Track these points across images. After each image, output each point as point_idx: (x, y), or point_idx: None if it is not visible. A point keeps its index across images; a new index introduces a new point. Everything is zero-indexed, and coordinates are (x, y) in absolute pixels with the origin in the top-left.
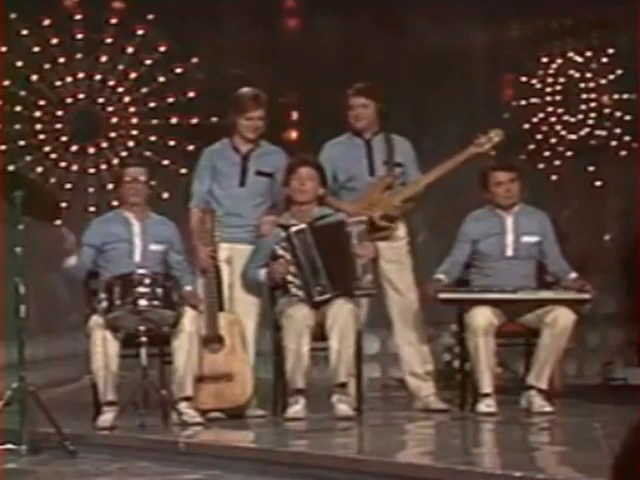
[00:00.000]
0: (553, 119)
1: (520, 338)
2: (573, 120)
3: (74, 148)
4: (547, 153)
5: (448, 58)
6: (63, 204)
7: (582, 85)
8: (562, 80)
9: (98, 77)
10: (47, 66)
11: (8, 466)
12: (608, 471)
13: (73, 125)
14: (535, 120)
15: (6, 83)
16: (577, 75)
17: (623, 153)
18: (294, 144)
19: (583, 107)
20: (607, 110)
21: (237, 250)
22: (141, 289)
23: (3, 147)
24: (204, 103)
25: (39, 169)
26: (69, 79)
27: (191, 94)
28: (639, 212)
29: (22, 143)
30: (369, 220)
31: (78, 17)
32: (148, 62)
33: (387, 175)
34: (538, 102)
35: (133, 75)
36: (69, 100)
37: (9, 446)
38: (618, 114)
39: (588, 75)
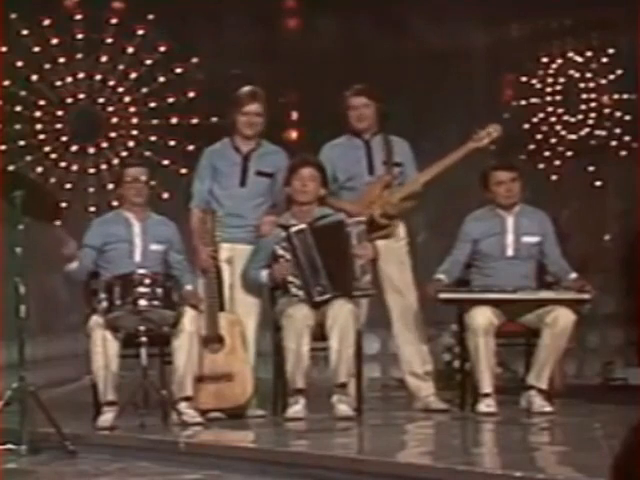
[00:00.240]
0: (553, 119)
1: (520, 338)
2: (573, 120)
3: (74, 148)
4: (547, 153)
5: (448, 58)
6: (63, 204)
7: (582, 85)
8: (562, 80)
9: (98, 77)
10: (47, 66)
11: (8, 466)
12: (608, 471)
13: (73, 125)
14: (535, 120)
15: (6, 83)
16: (577, 75)
17: (623, 153)
18: (294, 144)
19: (583, 107)
20: (607, 110)
21: (238, 250)
22: (141, 289)
23: (3, 147)
24: (204, 103)
25: (39, 169)
26: (69, 79)
27: (191, 94)
28: (639, 212)
29: (22, 143)
30: (369, 218)
31: (78, 17)
32: (148, 62)
33: (386, 174)
34: (538, 102)
35: (133, 75)
36: (69, 100)
37: (9, 446)
38: (618, 114)
39: (588, 75)
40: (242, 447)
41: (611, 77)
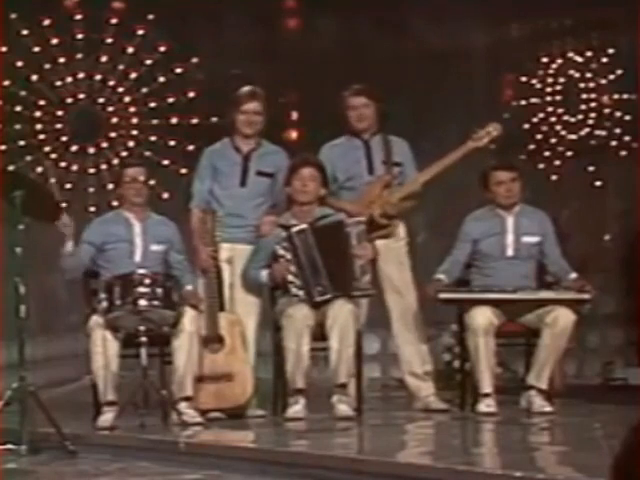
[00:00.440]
0: (553, 119)
1: (520, 338)
2: (573, 120)
3: (74, 148)
4: (547, 153)
5: (448, 58)
6: (63, 204)
7: (582, 85)
8: (562, 80)
9: (98, 77)
10: (47, 66)
11: (8, 466)
12: (608, 471)
13: (73, 125)
14: (535, 120)
15: (6, 83)
16: (577, 75)
17: (623, 153)
18: (294, 144)
19: (583, 107)
20: (607, 110)
21: (238, 250)
22: (141, 289)
23: (3, 147)
24: (204, 103)
25: (39, 169)
26: (69, 79)
27: (191, 94)
28: (639, 212)
29: (22, 143)
30: (369, 218)
31: (78, 17)
32: (148, 62)
33: (385, 174)
34: (538, 102)
35: (133, 75)
36: (69, 100)
37: (9, 446)
38: (618, 114)
39: (588, 75)
40: (242, 447)
41: (611, 77)
